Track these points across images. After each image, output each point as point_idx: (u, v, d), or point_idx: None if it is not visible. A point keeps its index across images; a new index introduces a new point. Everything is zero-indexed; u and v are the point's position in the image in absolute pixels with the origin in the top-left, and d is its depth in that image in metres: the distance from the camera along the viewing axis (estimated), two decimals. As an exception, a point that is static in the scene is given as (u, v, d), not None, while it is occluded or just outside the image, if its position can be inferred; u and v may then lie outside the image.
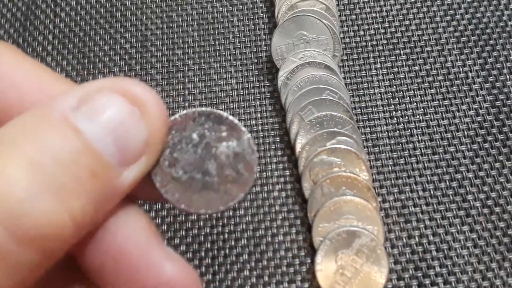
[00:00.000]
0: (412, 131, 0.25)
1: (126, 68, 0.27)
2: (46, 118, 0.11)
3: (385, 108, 0.26)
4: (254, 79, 0.27)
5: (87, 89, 0.11)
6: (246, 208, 0.24)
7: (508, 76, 0.26)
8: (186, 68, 0.27)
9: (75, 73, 0.27)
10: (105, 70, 0.27)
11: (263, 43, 0.28)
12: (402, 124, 0.25)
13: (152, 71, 0.27)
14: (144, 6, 0.29)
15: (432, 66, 0.27)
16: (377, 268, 0.21)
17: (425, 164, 0.25)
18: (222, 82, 0.27)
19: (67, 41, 0.28)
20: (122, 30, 0.28)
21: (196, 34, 0.28)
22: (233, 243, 0.23)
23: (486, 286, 0.22)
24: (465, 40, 0.27)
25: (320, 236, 0.22)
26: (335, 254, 0.22)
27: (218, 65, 0.27)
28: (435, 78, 0.27)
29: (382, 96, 0.26)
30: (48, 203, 0.10)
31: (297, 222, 0.23)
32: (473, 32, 0.28)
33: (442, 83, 0.26)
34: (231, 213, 0.24)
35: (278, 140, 0.25)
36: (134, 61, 0.27)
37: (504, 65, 0.27)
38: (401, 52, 0.27)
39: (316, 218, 0.22)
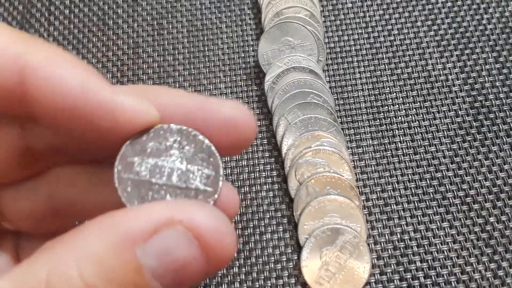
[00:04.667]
0: (394, 132, 0.26)
1: (119, 75, 0.28)
2: (114, 245, 0.11)
3: (368, 110, 0.27)
4: (242, 83, 0.28)
5: (158, 218, 0.11)
6: (235, 208, 0.25)
7: (486, 78, 0.27)
8: (177, 74, 0.28)
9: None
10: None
11: (251, 48, 0.29)
12: (384, 125, 0.27)
13: (144, 77, 0.28)
14: (136, 14, 0.30)
15: (414, 69, 0.28)
16: (360, 264, 0.22)
17: (407, 164, 0.26)
18: (211, 87, 0.28)
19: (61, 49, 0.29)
20: (114, 37, 0.29)
21: (186, 40, 0.29)
22: (222, 241, 0.24)
23: (465, 280, 0.23)
24: (445, 43, 0.29)
25: (306, 233, 0.23)
26: (319, 251, 0.23)
27: (207, 70, 0.28)
28: (417, 81, 0.28)
29: (366, 98, 0.27)
30: None
31: (284, 221, 0.24)
32: (453, 36, 0.29)
33: (423, 86, 0.27)
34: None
35: (265, 142, 0.26)
36: (126, 68, 0.28)
37: (483, 67, 0.28)
38: (384, 56, 0.28)
39: (301, 217, 0.23)
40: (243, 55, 0.28)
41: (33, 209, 0.16)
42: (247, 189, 0.25)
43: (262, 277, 0.23)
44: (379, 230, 0.24)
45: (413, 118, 0.27)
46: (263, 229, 0.24)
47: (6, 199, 0.16)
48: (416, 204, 0.25)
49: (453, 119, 0.27)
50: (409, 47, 0.28)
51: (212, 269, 0.12)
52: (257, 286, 0.23)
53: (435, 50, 0.28)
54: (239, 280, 0.23)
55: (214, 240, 0.11)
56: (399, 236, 0.24)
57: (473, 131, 0.26)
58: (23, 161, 0.15)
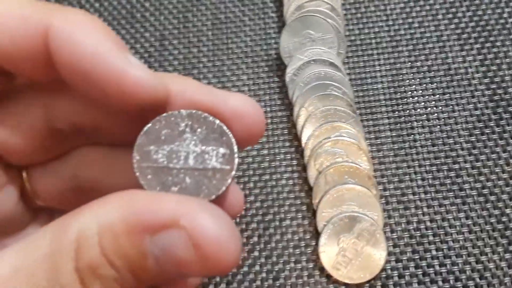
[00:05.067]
0: (412, 124, 0.27)
1: (146, 66, 0.29)
2: (127, 226, 0.12)
3: (387, 103, 0.27)
4: (264, 75, 0.29)
5: (167, 216, 0.12)
6: (256, 195, 0.26)
7: (506, 72, 0.28)
8: (202, 65, 0.29)
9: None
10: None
11: (273, 41, 0.29)
12: (403, 117, 0.27)
13: (170, 69, 0.29)
14: (162, 7, 0.31)
15: (433, 62, 0.28)
16: (377, 251, 0.23)
17: (424, 155, 0.26)
18: (234, 78, 0.29)
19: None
20: (142, 30, 0.30)
21: (210, 33, 0.30)
22: (244, 226, 0.25)
23: (479, 269, 0.24)
24: (466, 37, 0.29)
25: (324, 220, 0.24)
26: (337, 237, 0.24)
27: (231, 62, 0.29)
28: (436, 73, 0.28)
29: (385, 91, 0.28)
30: None
31: (303, 208, 0.25)
32: (473, 30, 0.29)
33: (442, 79, 0.28)
34: (242, 200, 0.26)
35: (286, 132, 0.27)
36: (153, 59, 0.29)
37: (503, 61, 0.28)
38: (404, 49, 0.29)
39: (320, 204, 0.24)
40: (265, 48, 0.29)
41: (60, 188, 0.17)
42: (268, 177, 0.26)
43: (282, 261, 0.24)
44: (396, 219, 0.25)
45: (432, 110, 0.27)
46: (283, 216, 0.25)
47: (35, 178, 0.17)
48: (433, 195, 0.25)
49: (472, 112, 0.27)
50: (429, 40, 0.29)
51: (210, 274, 0.13)
52: (277, 269, 0.24)
53: (455, 43, 0.29)
54: (259, 263, 0.24)
55: (212, 253, 0.12)
56: (415, 225, 0.25)
57: (491, 124, 0.27)
58: (47, 142, 0.16)
